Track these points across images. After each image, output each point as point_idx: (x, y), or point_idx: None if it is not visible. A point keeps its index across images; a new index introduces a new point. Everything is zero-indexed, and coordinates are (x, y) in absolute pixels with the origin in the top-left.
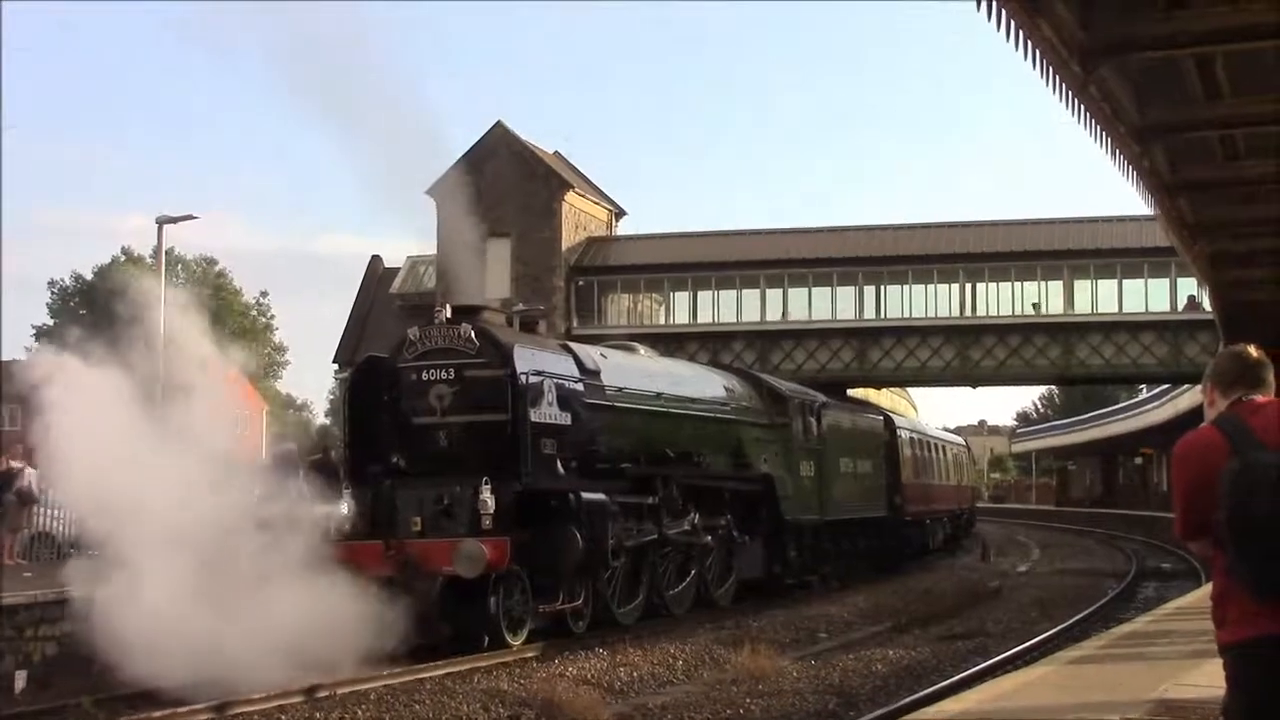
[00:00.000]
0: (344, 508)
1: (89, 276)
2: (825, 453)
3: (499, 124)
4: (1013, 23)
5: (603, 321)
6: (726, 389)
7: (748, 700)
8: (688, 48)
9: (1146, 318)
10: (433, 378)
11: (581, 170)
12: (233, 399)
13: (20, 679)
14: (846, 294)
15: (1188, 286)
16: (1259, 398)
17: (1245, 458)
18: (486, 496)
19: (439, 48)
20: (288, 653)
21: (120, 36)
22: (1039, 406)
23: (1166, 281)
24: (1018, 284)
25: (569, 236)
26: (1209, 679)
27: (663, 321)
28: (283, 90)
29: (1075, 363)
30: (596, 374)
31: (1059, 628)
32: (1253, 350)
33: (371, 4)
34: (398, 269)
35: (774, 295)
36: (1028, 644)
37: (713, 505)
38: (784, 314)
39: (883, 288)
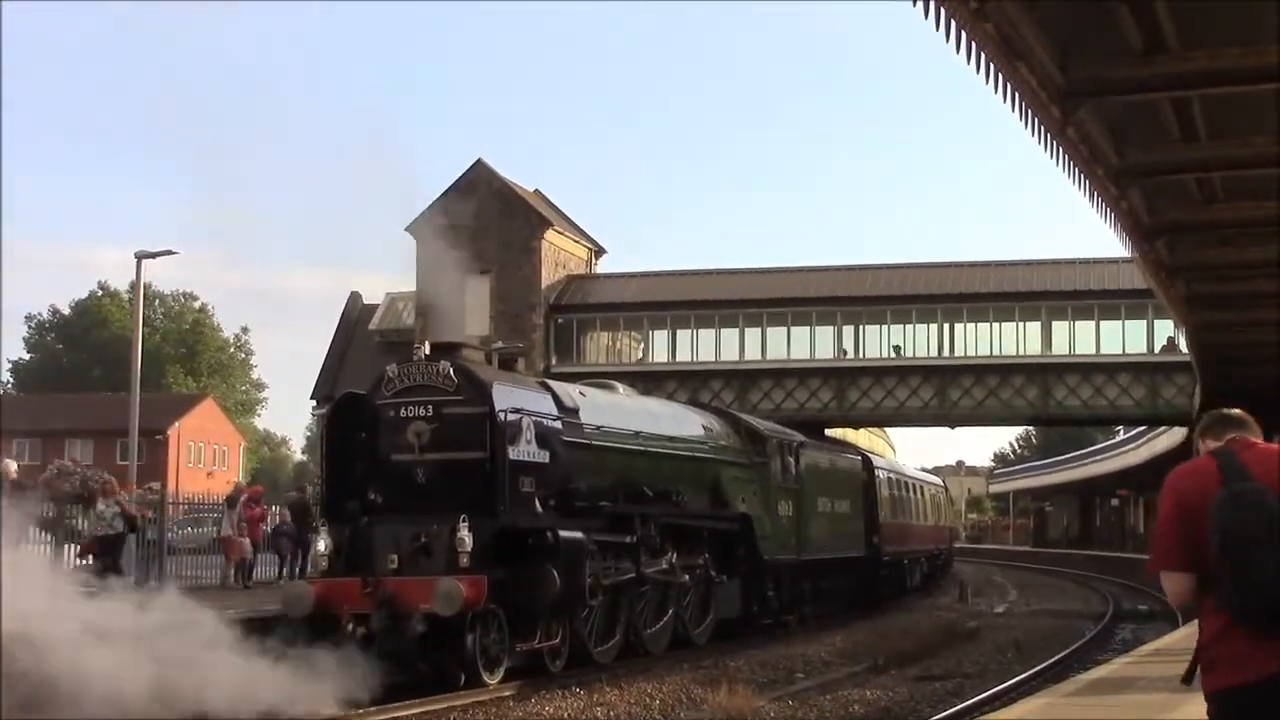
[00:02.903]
0: (321, 544)
1: (66, 311)
2: (803, 492)
3: (479, 161)
4: (992, 65)
5: (581, 359)
6: (705, 428)
7: None
8: (671, 88)
9: (1124, 359)
10: (411, 415)
11: (561, 208)
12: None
13: None
14: (825, 334)
15: (1165, 328)
16: (1251, 438)
17: (1233, 487)
18: (464, 534)
19: (422, 81)
20: None
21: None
22: (1016, 447)
23: (1144, 323)
24: (995, 325)
25: (548, 274)
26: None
27: (641, 360)
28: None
29: (1052, 404)
30: (575, 412)
31: (1037, 668)
32: (1235, 410)
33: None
34: (376, 305)
35: (753, 334)
36: (1005, 685)
37: (691, 544)
38: (763, 353)
39: (861, 327)
